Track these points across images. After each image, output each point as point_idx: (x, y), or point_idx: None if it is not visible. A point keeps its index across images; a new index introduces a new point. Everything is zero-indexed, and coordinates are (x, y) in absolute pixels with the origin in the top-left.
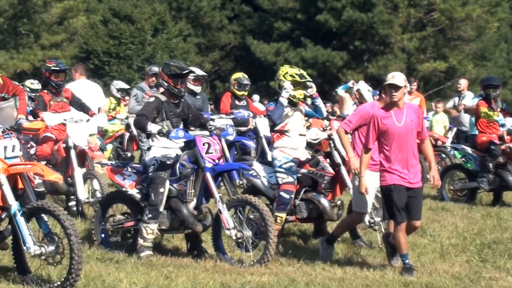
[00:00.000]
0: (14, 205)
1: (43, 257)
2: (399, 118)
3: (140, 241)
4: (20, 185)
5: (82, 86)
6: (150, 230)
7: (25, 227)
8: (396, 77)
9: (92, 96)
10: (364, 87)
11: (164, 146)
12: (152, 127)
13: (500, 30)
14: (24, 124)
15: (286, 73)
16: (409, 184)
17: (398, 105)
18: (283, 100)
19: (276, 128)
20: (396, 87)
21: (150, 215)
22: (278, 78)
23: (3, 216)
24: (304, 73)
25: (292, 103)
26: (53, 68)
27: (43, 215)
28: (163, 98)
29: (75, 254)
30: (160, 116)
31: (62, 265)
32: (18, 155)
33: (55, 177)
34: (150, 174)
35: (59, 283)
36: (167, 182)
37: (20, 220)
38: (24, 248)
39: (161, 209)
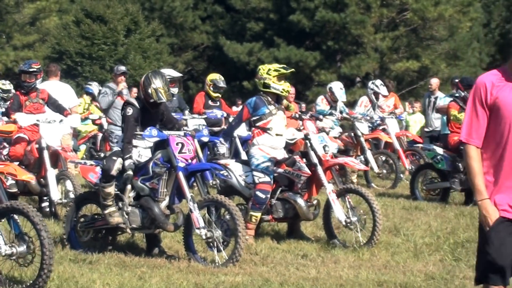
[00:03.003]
0: None
1: (13, 258)
2: None
3: (101, 200)
4: None
5: (54, 87)
6: (106, 193)
7: None
8: None
9: (64, 97)
10: (336, 86)
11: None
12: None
13: (473, 29)
14: None
15: (269, 69)
16: None
17: None
18: None
19: (258, 124)
20: None
21: (103, 180)
22: (261, 77)
23: None
24: (284, 65)
25: (279, 98)
26: (28, 69)
27: (14, 215)
28: (139, 105)
29: (46, 251)
30: (139, 124)
31: (33, 266)
32: None
33: (28, 177)
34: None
35: (30, 282)
36: (120, 160)
37: None
38: None
39: (113, 173)
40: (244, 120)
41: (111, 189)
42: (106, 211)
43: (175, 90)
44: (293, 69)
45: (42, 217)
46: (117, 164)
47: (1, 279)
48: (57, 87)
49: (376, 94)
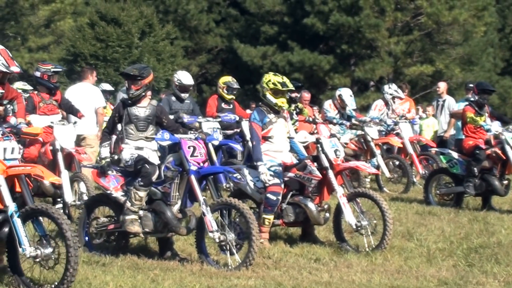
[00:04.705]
0: (12, 206)
1: (38, 259)
2: None
3: (128, 204)
4: (18, 189)
5: (83, 89)
6: (138, 197)
7: (21, 229)
8: None
9: (91, 98)
10: (346, 93)
11: (136, 147)
12: (104, 151)
13: (487, 34)
14: (23, 128)
15: (269, 80)
16: None
17: None
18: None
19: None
20: None
21: (141, 183)
22: (262, 86)
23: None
24: (287, 81)
25: (275, 111)
26: (53, 70)
27: (39, 217)
28: (126, 101)
29: (71, 255)
30: (123, 120)
31: (56, 269)
32: (17, 157)
33: (55, 179)
34: (129, 170)
35: (53, 286)
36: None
37: (17, 221)
38: (20, 249)
39: (153, 179)
40: (261, 134)
41: (145, 194)
42: (128, 217)
43: (185, 95)
44: (291, 87)
45: (70, 223)
46: (158, 170)
47: (25, 281)
48: (86, 89)
49: (394, 98)
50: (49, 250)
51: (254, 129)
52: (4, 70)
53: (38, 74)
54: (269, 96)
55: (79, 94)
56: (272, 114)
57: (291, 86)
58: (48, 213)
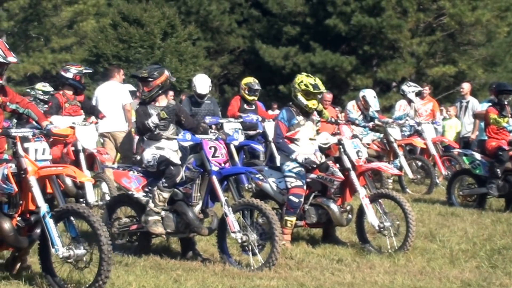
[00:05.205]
0: (44, 207)
1: (70, 260)
2: None
3: (151, 205)
4: (49, 189)
5: (111, 87)
6: (162, 198)
7: (54, 229)
8: None
9: (119, 95)
10: (370, 94)
11: (157, 147)
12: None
13: (510, 35)
14: (53, 129)
15: (301, 81)
16: None
17: None
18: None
19: (287, 134)
20: None
21: (166, 184)
22: (293, 86)
23: (32, 219)
24: (319, 83)
25: (305, 113)
26: (84, 71)
27: (72, 218)
28: (146, 103)
29: (105, 256)
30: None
31: (88, 269)
32: (48, 158)
33: (88, 179)
34: (151, 170)
35: (86, 286)
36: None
37: (49, 222)
38: (53, 250)
39: (178, 180)
40: (285, 134)
41: (169, 195)
42: (151, 218)
43: (202, 101)
44: (323, 90)
45: (103, 224)
46: (182, 170)
47: (58, 282)
48: (113, 87)
49: (416, 94)
50: (81, 250)
51: (279, 128)
52: (2, 60)
53: (70, 75)
54: (300, 97)
55: (107, 93)
56: (301, 116)
57: (323, 89)
58: (80, 213)
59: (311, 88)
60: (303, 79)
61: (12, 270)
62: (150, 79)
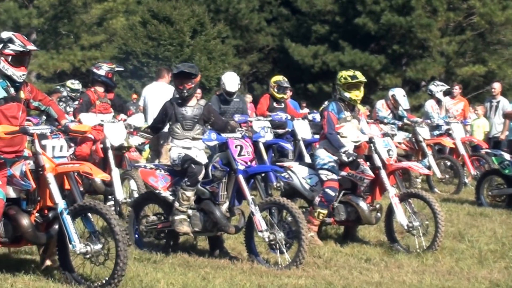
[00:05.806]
0: (61, 203)
1: (88, 256)
2: None
3: (176, 204)
4: (67, 186)
5: (159, 87)
6: (185, 197)
7: (71, 225)
8: None
9: (167, 96)
10: (399, 93)
11: (184, 146)
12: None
13: None
14: (71, 126)
15: (341, 76)
16: None
17: None
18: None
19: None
20: None
21: (188, 183)
22: (336, 84)
23: (50, 215)
24: (358, 74)
25: (351, 107)
26: (116, 69)
27: (89, 214)
28: (174, 100)
29: (121, 252)
30: (171, 119)
31: (105, 265)
32: (66, 155)
33: (103, 176)
34: (177, 169)
35: (103, 281)
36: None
37: (67, 218)
38: (70, 246)
39: (200, 178)
40: (336, 125)
41: (192, 194)
42: (177, 217)
43: (231, 99)
44: (362, 79)
45: (120, 220)
46: (203, 168)
47: (76, 277)
48: (162, 88)
49: (444, 93)
50: (98, 246)
51: (331, 119)
52: (22, 49)
53: (102, 72)
54: (343, 92)
55: (157, 93)
56: (348, 112)
57: (362, 78)
58: (97, 209)
59: (349, 79)
60: (342, 74)
61: (41, 266)
62: (193, 76)
